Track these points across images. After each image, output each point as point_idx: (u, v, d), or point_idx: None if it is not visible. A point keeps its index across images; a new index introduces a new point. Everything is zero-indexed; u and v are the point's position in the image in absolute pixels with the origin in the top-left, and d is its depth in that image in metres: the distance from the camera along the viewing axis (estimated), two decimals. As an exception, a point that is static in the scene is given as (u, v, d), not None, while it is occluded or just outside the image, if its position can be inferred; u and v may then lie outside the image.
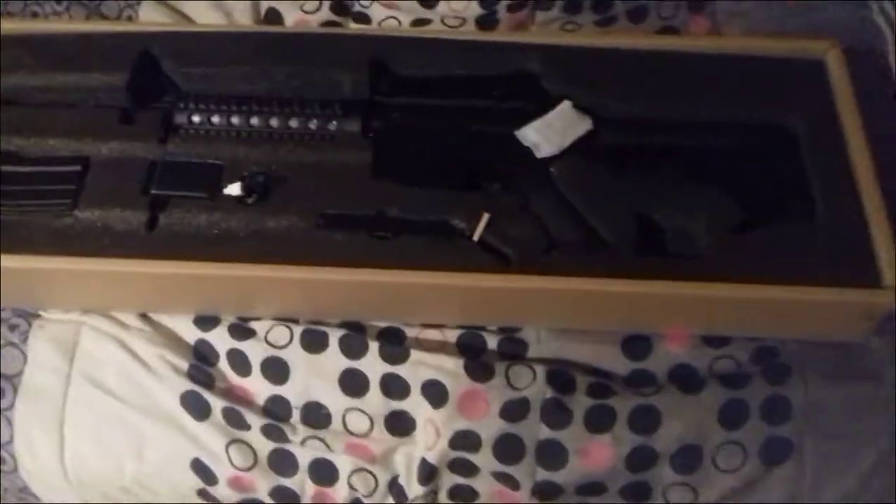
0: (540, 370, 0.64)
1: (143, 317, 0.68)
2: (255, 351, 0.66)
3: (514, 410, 0.63)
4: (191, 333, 0.67)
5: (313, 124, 0.71)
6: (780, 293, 0.62)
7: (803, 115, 0.71)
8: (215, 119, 0.71)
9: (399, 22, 0.87)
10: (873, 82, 0.78)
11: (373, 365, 0.65)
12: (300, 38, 0.76)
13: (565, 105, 0.72)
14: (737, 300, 0.62)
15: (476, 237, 0.65)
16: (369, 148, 0.69)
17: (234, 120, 0.71)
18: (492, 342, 0.67)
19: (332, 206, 0.66)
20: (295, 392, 0.65)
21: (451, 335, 0.67)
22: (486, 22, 0.87)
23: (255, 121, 0.71)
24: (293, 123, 0.71)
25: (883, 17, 0.84)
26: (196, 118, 0.71)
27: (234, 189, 0.66)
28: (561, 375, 0.64)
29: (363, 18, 0.87)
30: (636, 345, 0.67)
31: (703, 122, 0.72)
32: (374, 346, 0.65)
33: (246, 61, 0.73)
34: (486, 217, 0.65)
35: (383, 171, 0.69)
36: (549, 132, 0.70)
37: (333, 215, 0.66)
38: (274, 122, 0.71)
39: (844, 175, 0.68)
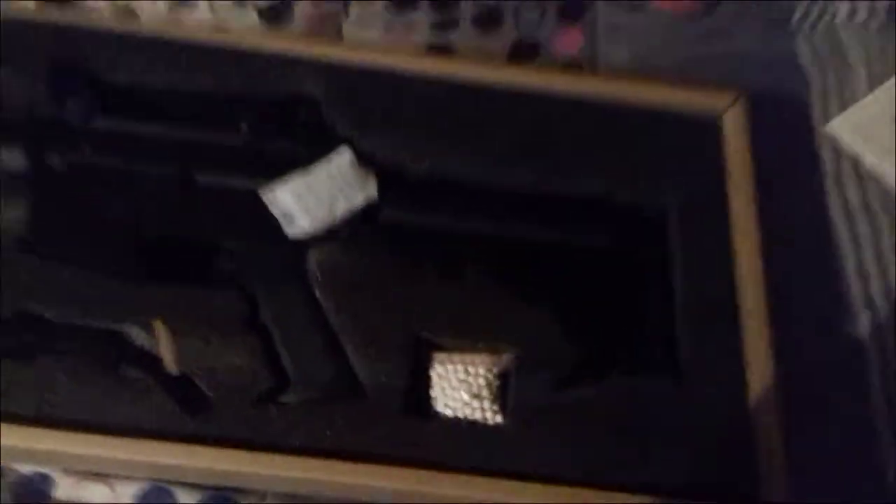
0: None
1: None
2: None
3: None
4: None
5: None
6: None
7: (683, 194, 0.50)
8: None
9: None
10: (785, 144, 0.58)
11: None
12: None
13: (345, 156, 0.48)
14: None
15: (171, 367, 0.41)
16: (28, 196, 0.45)
17: None
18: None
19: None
20: None
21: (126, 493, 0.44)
22: (275, 12, 0.62)
23: None
24: None
25: (811, 54, 0.63)
26: None
27: None
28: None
29: None
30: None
31: (540, 195, 0.50)
32: None
33: None
34: (161, 329, 0.41)
35: (41, 244, 0.44)
36: (313, 198, 0.47)
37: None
38: None
39: (724, 301, 0.47)
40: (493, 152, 0.50)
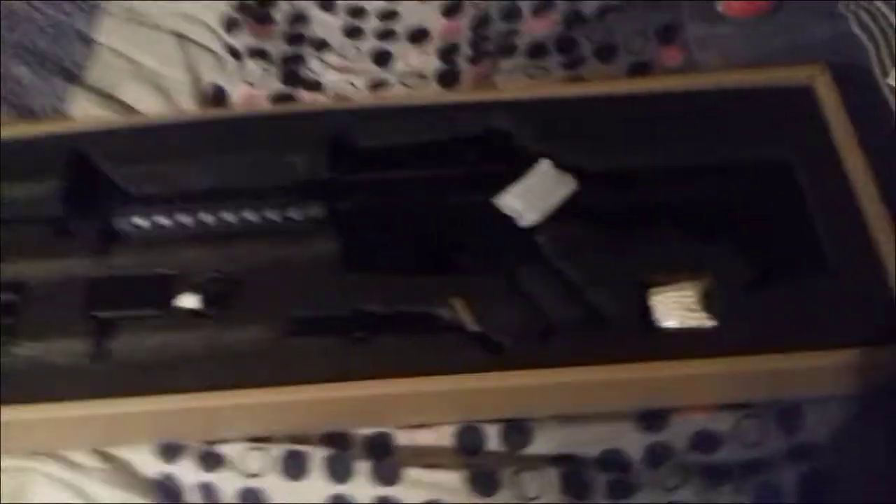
0: (553, 474, 0.57)
1: (99, 452, 0.61)
2: (227, 482, 0.59)
3: None
4: (153, 467, 0.60)
5: (271, 215, 0.64)
6: (802, 360, 0.56)
7: (798, 148, 0.66)
8: (161, 220, 0.64)
9: (355, 86, 0.80)
10: (862, 102, 0.74)
11: (363, 489, 0.57)
12: (248, 122, 0.70)
13: (545, 164, 0.65)
14: (756, 372, 0.56)
15: (471, 328, 0.58)
16: (336, 235, 0.63)
17: (182, 219, 0.64)
18: (493, 436, 0.60)
19: (302, 309, 0.59)
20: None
21: (447, 433, 0.60)
22: (448, 77, 0.81)
23: (205, 217, 0.64)
24: (249, 217, 0.64)
25: (861, 29, 0.79)
26: (139, 222, 0.64)
27: (187, 301, 0.59)
28: (575, 478, 0.57)
29: (315, 86, 0.81)
30: (651, 417, 0.61)
31: (691, 167, 0.66)
32: (362, 467, 0.58)
33: (190, 153, 0.66)
34: (460, 304, 0.58)
35: (354, 261, 0.62)
36: (531, 197, 0.64)
37: (304, 319, 0.59)
38: (227, 217, 0.64)
39: (851, 212, 0.62)
40: (653, 143, 0.66)
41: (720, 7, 0.81)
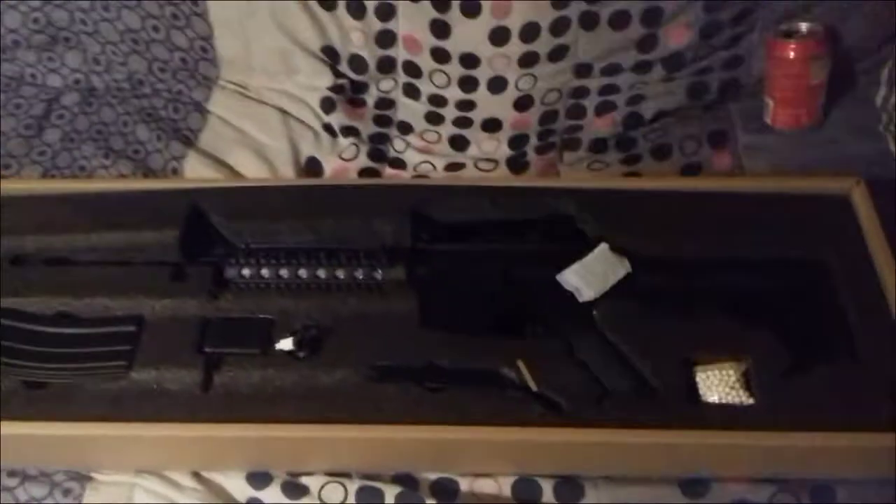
0: (603, 528, 0.63)
1: (196, 475, 0.68)
2: (309, 510, 0.66)
3: None
4: (243, 492, 0.67)
5: (359, 274, 0.73)
6: (834, 440, 0.62)
7: (836, 250, 0.73)
8: (264, 272, 0.72)
9: (433, 166, 0.90)
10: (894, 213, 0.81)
11: (431, 525, 0.64)
12: (342, 191, 0.79)
13: (603, 247, 0.74)
14: (790, 447, 0.62)
15: (533, 387, 0.65)
16: (415, 296, 0.71)
17: (283, 272, 0.73)
18: (547, 489, 0.66)
19: (382, 358, 0.67)
20: (351, 553, 0.64)
21: (506, 483, 0.67)
22: (517, 163, 0.90)
23: (303, 272, 0.73)
24: (340, 274, 0.73)
25: (896, 147, 0.87)
26: (246, 272, 0.73)
27: (286, 344, 0.67)
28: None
29: (399, 163, 0.91)
30: (694, 484, 0.66)
31: (736, 260, 0.73)
32: (431, 505, 0.65)
33: (292, 215, 0.76)
34: (524, 366, 0.65)
35: (430, 319, 0.70)
36: (590, 276, 0.72)
37: (384, 367, 0.67)
38: (321, 273, 0.73)
39: (882, 309, 0.69)
40: (702, 235, 0.74)
41: (768, 118, 0.90)
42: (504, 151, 0.91)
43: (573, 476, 0.67)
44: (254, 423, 0.62)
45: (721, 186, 0.79)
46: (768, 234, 0.75)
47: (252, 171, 0.89)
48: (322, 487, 0.66)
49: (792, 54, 0.85)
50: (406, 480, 0.67)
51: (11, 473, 0.69)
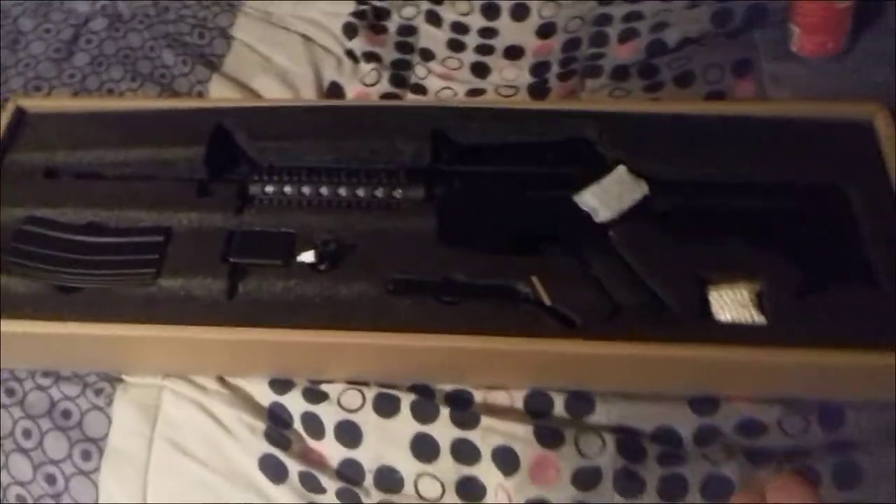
0: (609, 439, 0.65)
1: (221, 380, 0.71)
2: (328, 414, 0.68)
3: (587, 479, 0.64)
4: (266, 397, 0.70)
5: (379, 192, 0.74)
6: (844, 359, 0.62)
7: (855, 176, 0.73)
8: (287, 189, 0.74)
9: (455, 92, 0.91)
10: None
11: (444, 430, 0.66)
12: (365, 112, 0.80)
13: (621, 170, 0.74)
14: (800, 366, 0.63)
15: (547, 302, 0.67)
16: (433, 214, 0.72)
17: (305, 190, 0.74)
18: (559, 402, 0.68)
19: (400, 272, 0.69)
20: (368, 456, 0.67)
21: (518, 397, 0.69)
22: (538, 90, 0.90)
23: (324, 190, 0.74)
24: (360, 192, 0.74)
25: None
26: (269, 189, 0.74)
27: (307, 257, 0.69)
28: (631, 444, 0.65)
29: (420, 90, 0.91)
30: (703, 402, 0.68)
31: (754, 184, 0.74)
32: (444, 412, 0.67)
33: (314, 135, 0.77)
34: (538, 281, 0.67)
35: (448, 236, 0.71)
36: (607, 197, 0.73)
37: (402, 281, 0.68)
38: (342, 191, 0.74)
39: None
40: (721, 160, 0.74)
41: (794, 46, 0.89)
42: (525, 79, 0.91)
43: (584, 391, 0.69)
44: (276, 329, 0.65)
45: (743, 111, 0.79)
46: (789, 159, 0.75)
47: (275, 95, 0.90)
48: (341, 394, 0.69)
49: (819, -23, 0.84)
50: (422, 390, 0.69)
51: (45, 374, 0.73)
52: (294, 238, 0.71)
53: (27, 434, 0.71)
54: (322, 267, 0.69)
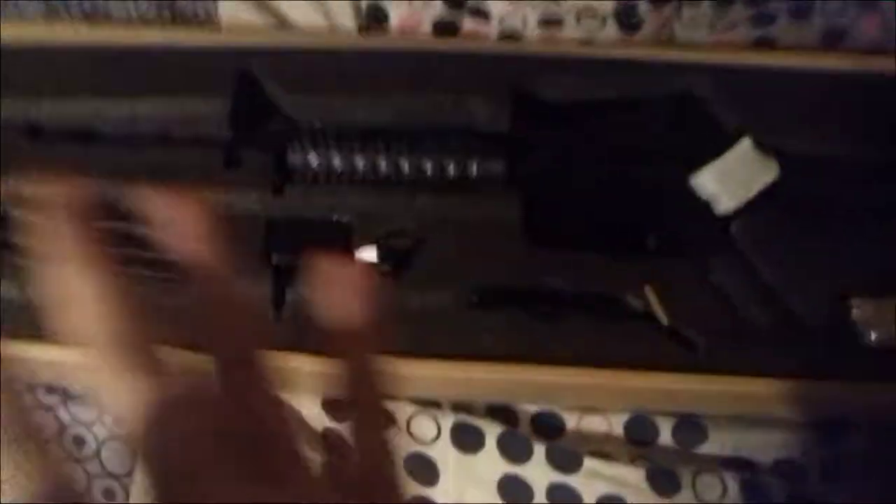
0: (731, 482, 0.56)
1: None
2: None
3: None
4: (320, 420, 0.59)
5: (451, 168, 0.60)
6: None
7: None
8: (336, 162, 0.60)
9: (524, 19, 0.74)
10: None
11: (539, 472, 0.56)
12: (419, 56, 0.64)
13: (746, 145, 0.60)
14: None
15: (664, 321, 0.55)
16: (516, 199, 0.59)
17: (358, 162, 0.60)
18: (665, 429, 0.59)
19: (482, 276, 0.56)
20: (447, 496, 0.57)
21: (617, 422, 0.59)
22: (627, 19, 0.74)
23: (381, 163, 0.60)
24: (426, 166, 0.60)
25: None
26: (312, 159, 0.60)
27: (368, 254, 0.56)
28: (756, 488, 0.56)
29: (481, 14, 0.74)
30: (832, 425, 0.59)
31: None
32: (539, 450, 0.56)
33: (363, 86, 0.62)
34: (654, 295, 0.55)
35: (538, 231, 0.58)
36: (730, 180, 0.60)
37: (488, 290, 0.56)
38: (403, 163, 0.60)
39: None
40: (873, 132, 0.61)
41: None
42: (611, 4, 0.75)
43: (695, 415, 0.59)
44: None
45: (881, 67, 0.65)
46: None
47: (302, 17, 0.73)
48: (410, 419, 0.58)
49: None
50: (503, 413, 0.58)
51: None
52: (351, 229, 0.58)
53: None
54: (386, 268, 0.56)
